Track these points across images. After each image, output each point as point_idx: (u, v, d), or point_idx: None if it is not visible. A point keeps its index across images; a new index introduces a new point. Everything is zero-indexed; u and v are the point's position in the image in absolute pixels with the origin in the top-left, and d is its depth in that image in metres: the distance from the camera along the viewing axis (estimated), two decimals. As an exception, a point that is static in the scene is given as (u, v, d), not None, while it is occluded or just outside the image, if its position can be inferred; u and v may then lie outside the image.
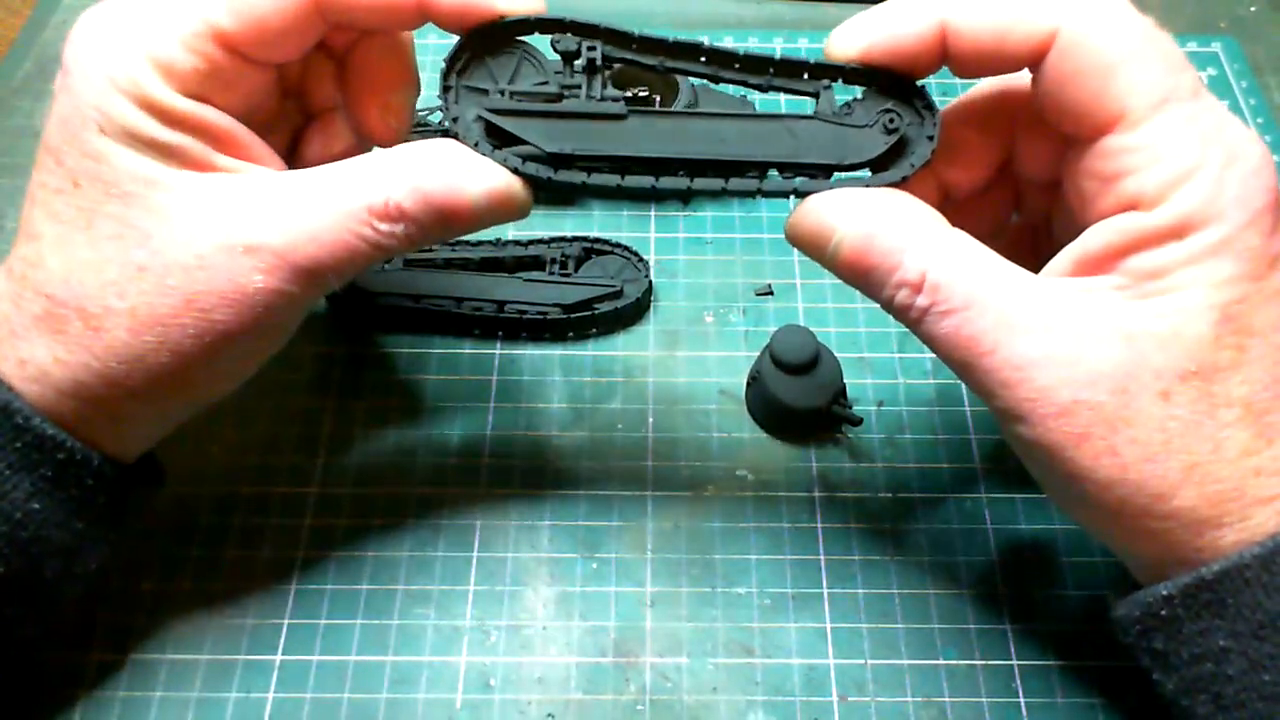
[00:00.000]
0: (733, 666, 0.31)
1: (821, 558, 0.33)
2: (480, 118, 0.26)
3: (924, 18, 0.24)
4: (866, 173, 0.25)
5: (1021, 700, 0.30)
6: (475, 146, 0.25)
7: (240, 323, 0.25)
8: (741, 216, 0.41)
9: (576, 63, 0.26)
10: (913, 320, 0.24)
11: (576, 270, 0.38)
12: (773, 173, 0.26)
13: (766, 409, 0.35)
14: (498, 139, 0.26)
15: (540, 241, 0.39)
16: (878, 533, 0.33)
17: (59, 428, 0.25)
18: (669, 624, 0.32)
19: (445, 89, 0.26)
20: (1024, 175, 0.28)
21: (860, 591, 0.32)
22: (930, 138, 0.25)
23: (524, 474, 0.34)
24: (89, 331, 0.25)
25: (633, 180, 0.26)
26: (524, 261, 0.38)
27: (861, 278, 0.24)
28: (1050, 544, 0.33)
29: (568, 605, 0.32)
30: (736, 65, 0.26)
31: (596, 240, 0.39)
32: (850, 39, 0.24)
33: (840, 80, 0.25)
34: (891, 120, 0.25)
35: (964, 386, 0.36)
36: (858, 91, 0.26)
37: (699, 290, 0.39)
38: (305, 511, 0.34)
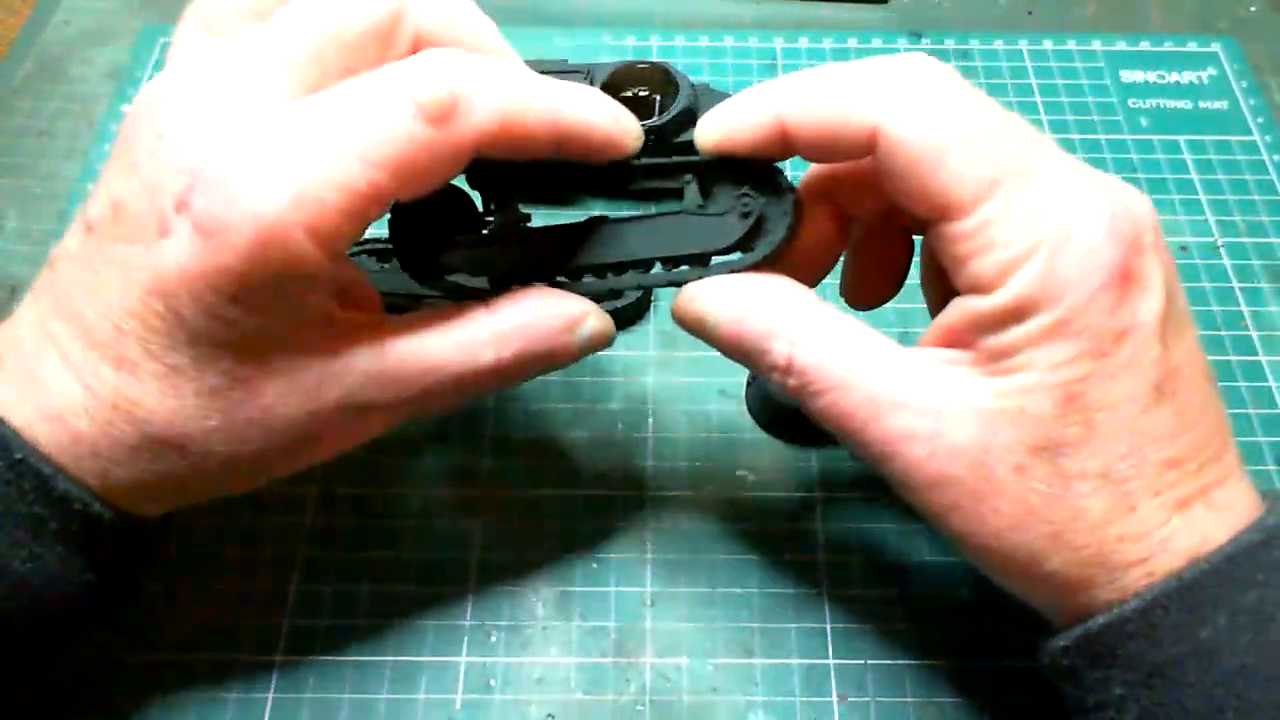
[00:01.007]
0: (733, 666, 0.31)
1: (821, 558, 0.33)
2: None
3: (761, 113, 0.25)
4: (739, 255, 0.26)
5: (1021, 700, 0.30)
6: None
7: (333, 454, 0.26)
8: (741, 216, 0.41)
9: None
10: (794, 396, 0.25)
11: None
12: (657, 266, 0.27)
13: (766, 409, 0.35)
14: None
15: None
16: (878, 533, 0.33)
17: (88, 492, 0.24)
18: (669, 624, 0.32)
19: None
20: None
21: (860, 591, 0.32)
22: (785, 213, 0.26)
23: (524, 474, 0.34)
24: (181, 461, 0.24)
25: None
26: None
27: (740, 356, 0.26)
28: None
29: (568, 605, 0.32)
30: (606, 174, 0.27)
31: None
32: (706, 133, 0.26)
33: (696, 175, 0.27)
34: (745, 204, 0.26)
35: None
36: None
37: (699, 290, 0.39)
38: (305, 511, 0.33)
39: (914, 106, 0.23)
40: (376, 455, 0.35)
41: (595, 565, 0.33)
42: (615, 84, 0.41)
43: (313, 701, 0.30)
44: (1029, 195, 0.22)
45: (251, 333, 0.23)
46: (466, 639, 0.31)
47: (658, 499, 0.34)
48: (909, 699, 0.30)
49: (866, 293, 0.30)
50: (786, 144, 0.25)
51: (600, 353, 0.37)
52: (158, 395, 0.23)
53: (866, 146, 0.23)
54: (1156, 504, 0.22)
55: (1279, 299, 0.39)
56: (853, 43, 0.47)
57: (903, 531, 0.33)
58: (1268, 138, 0.44)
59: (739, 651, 0.31)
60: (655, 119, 0.39)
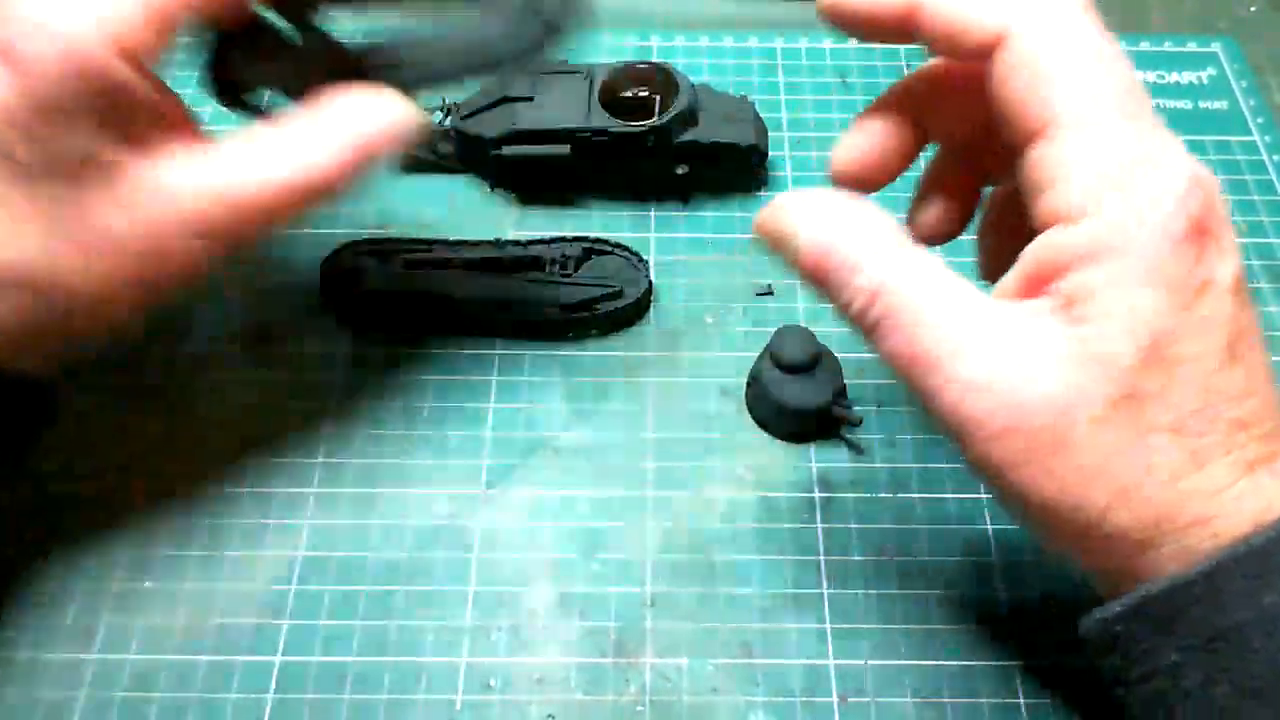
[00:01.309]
0: (733, 667, 0.31)
1: (821, 558, 0.33)
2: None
3: None
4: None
5: (1021, 700, 0.30)
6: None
7: (180, 286, 0.27)
8: (741, 216, 0.41)
9: None
10: (864, 331, 0.24)
11: (576, 270, 0.38)
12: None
13: (766, 409, 0.35)
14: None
15: (540, 242, 0.39)
16: (878, 533, 0.33)
17: None
18: (669, 624, 0.32)
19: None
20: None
21: (860, 591, 0.32)
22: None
23: (524, 474, 0.34)
24: (34, 299, 0.25)
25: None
26: (524, 262, 0.38)
27: (818, 283, 0.25)
28: (1050, 544, 0.33)
29: (568, 605, 0.32)
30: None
31: (596, 240, 0.39)
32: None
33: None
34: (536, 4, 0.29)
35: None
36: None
37: (699, 290, 0.39)
38: (305, 511, 0.34)
39: (1048, 19, 0.23)
40: (376, 455, 0.35)
41: (595, 565, 0.33)
42: (615, 84, 0.41)
43: (313, 701, 0.30)
44: (1130, 135, 0.23)
45: (75, 156, 0.24)
46: (466, 639, 0.31)
47: (658, 499, 0.34)
48: (909, 699, 0.30)
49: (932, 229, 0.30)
50: (913, 21, 0.25)
51: (600, 352, 0.37)
52: None
53: (990, 45, 0.23)
54: (1225, 464, 0.22)
55: (1279, 299, 0.39)
56: (853, 43, 0.47)
57: (903, 531, 0.33)
58: (1268, 138, 0.44)
59: (739, 651, 0.31)
60: (655, 119, 0.39)
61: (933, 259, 0.24)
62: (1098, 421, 0.22)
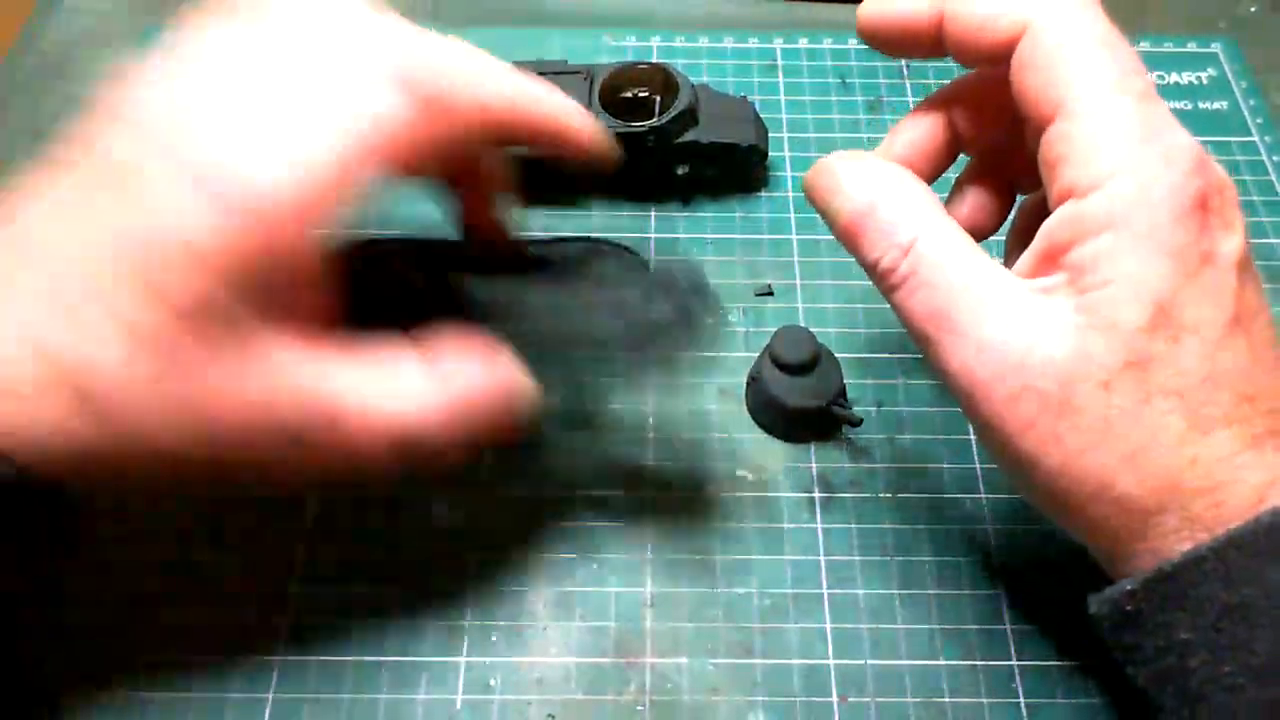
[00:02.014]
0: (733, 666, 0.31)
1: (821, 558, 0.33)
2: None
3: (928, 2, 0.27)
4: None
5: (1021, 700, 0.30)
6: None
7: (245, 484, 0.26)
8: (741, 217, 0.41)
9: None
10: (891, 286, 0.26)
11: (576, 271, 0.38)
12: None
13: (766, 409, 0.35)
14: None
15: (540, 242, 0.39)
16: (878, 533, 0.33)
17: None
18: (669, 624, 0.32)
19: None
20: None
21: (860, 591, 0.32)
22: (712, 315, 0.29)
23: (524, 474, 0.34)
24: (106, 426, 0.22)
25: None
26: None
27: (853, 237, 0.27)
28: (1050, 544, 0.33)
29: (568, 605, 0.32)
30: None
31: (596, 240, 0.39)
32: (871, 14, 0.28)
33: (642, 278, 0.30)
34: (679, 301, 0.29)
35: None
36: None
37: (699, 290, 0.39)
38: (305, 511, 0.33)
39: (1062, 10, 0.25)
40: (376, 455, 0.35)
41: (595, 565, 0.33)
42: (615, 84, 0.41)
43: (313, 701, 0.30)
44: (1139, 116, 0.24)
45: (220, 313, 0.22)
46: (466, 639, 0.31)
47: (658, 499, 0.34)
48: (909, 699, 0.30)
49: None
50: (942, 29, 0.27)
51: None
52: (97, 344, 0.22)
53: (1011, 40, 0.25)
54: (1230, 433, 0.23)
55: (1279, 299, 0.39)
56: (852, 43, 0.47)
57: (903, 531, 0.33)
58: (1267, 138, 0.44)
59: (739, 651, 0.31)
60: (655, 119, 0.39)
61: (960, 229, 0.26)
62: (1104, 385, 0.23)
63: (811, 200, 0.28)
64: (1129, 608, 0.24)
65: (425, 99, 0.24)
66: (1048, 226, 0.25)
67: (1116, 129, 0.24)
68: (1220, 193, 0.24)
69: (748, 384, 0.36)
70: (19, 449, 0.22)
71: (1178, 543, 0.23)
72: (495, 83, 0.26)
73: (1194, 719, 0.23)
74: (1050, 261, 0.24)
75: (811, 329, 0.35)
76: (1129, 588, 0.24)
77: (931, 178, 0.29)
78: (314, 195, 0.22)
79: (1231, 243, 0.24)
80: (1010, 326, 0.24)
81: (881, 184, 0.26)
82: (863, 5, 0.28)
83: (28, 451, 0.22)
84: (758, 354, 0.36)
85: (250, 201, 0.22)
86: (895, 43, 0.28)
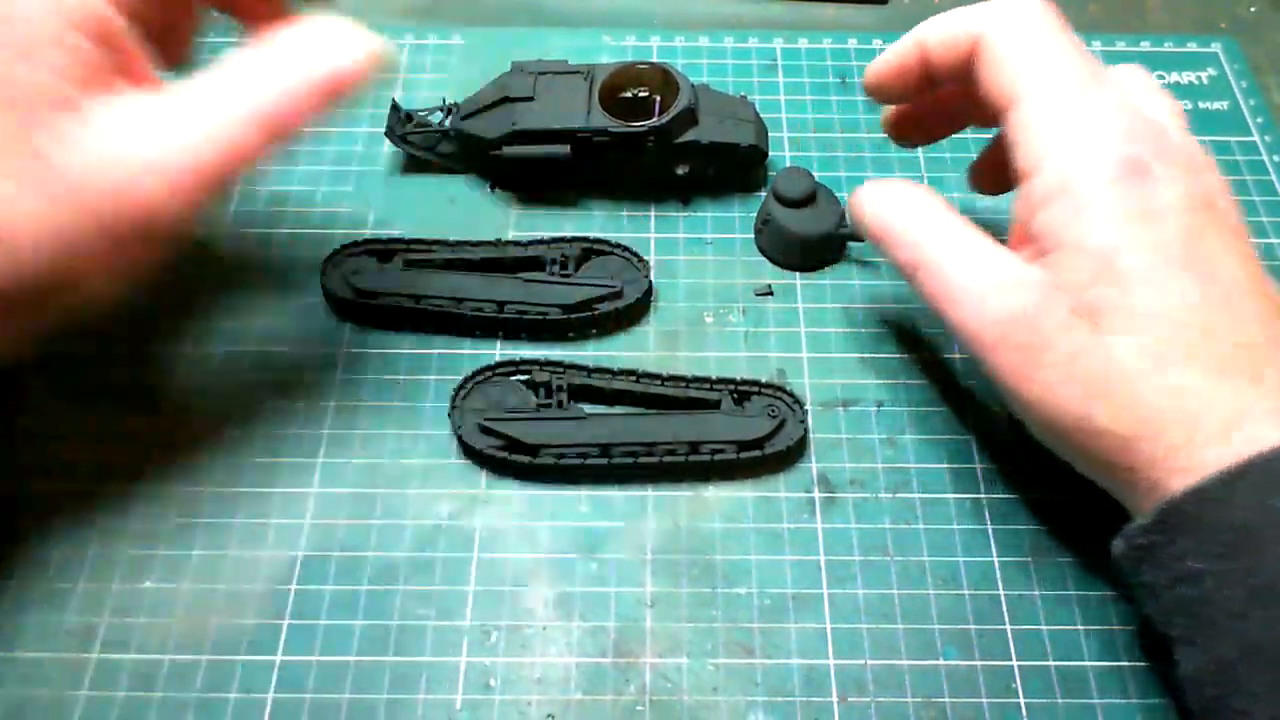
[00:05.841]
0: (733, 667, 0.31)
1: (821, 558, 0.33)
2: (478, 424, 0.34)
3: (907, 41, 0.32)
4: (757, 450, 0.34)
5: (1021, 700, 0.30)
6: (474, 444, 0.34)
7: (151, 244, 0.26)
8: (741, 217, 0.41)
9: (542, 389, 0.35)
10: (909, 275, 0.31)
11: (576, 270, 0.38)
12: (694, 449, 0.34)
13: (780, 243, 0.39)
14: (491, 435, 0.34)
15: (540, 242, 0.39)
16: (878, 533, 0.33)
17: None
18: (669, 624, 0.32)
19: (452, 408, 0.34)
20: None
21: (860, 591, 0.32)
22: (801, 421, 0.35)
23: (524, 474, 0.34)
24: None
25: (592, 460, 0.34)
26: (524, 262, 0.38)
27: (879, 243, 0.32)
28: (1050, 544, 0.33)
29: (568, 605, 0.32)
30: (661, 381, 0.35)
31: (596, 240, 0.39)
32: (869, 77, 0.34)
33: (733, 389, 0.35)
34: (773, 410, 0.35)
35: (965, 387, 0.36)
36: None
37: (699, 290, 0.39)
38: (305, 511, 0.34)
39: (1009, 17, 0.30)
40: (376, 455, 0.35)
41: (595, 565, 0.33)
42: (615, 84, 0.41)
43: (313, 701, 0.30)
44: (1074, 99, 0.28)
45: (38, 91, 0.24)
46: (466, 639, 0.31)
47: (658, 499, 0.34)
48: (909, 699, 0.30)
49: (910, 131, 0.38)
50: (927, 61, 0.32)
51: (600, 352, 0.37)
52: None
53: (973, 53, 0.30)
54: (1193, 367, 0.25)
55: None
56: (853, 43, 0.47)
57: (903, 531, 0.33)
58: (1268, 138, 0.44)
59: (739, 651, 0.31)
60: (655, 119, 0.39)
61: (959, 224, 0.30)
62: (1065, 328, 0.27)
63: (854, 214, 0.33)
64: (1143, 541, 0.26)
65: None
66: (1013, 204, 0.30)
67: (1055, 115, 0.28)
68: (1152, 147, 0.27)
69: (759, 226, 0.40)
70: None
71: (1168, 474, 0.25)
72: None
73: (1204, 645, 0.25)
74: (1023, 234, 0.29)
75: (811, 329, 0.35)
76: (1143, 522, 0.26)
77: (914, 91, 0.34)
78: None
79: (1172, 191, 0.27)
80: (993, 291, 0.28)
81: (890, 204, 0.32)
82: (865, 71, 0.34)
83: None
84: (757, 353, 0.36)
85: None
86: (899, 88, 0.33)
